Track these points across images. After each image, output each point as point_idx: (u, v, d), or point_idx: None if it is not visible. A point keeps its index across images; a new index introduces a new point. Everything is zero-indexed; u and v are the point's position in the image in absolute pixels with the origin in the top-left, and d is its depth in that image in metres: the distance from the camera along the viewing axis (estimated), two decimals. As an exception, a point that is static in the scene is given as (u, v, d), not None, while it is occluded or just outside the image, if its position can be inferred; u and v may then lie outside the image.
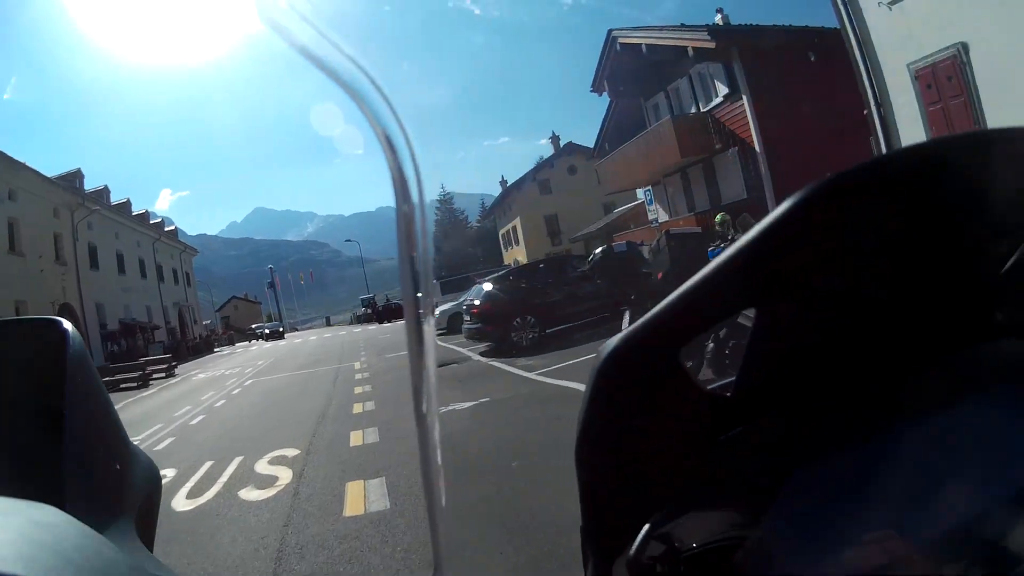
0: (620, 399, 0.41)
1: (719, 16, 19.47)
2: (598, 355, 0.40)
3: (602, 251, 14.88)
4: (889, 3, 12.97)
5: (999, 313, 0.47)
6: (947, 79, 12.54)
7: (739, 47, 17.95)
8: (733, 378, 0.43)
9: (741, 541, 0.40)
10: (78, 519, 0.48)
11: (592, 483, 0.43)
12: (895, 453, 0.39)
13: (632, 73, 22.23)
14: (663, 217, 23.49)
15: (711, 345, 5.18)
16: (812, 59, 16.83)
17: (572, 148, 39.11)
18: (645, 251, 13.55)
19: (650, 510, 0.42)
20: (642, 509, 0.42)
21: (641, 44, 20.12)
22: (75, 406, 0.65)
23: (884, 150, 13.01)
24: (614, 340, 0.39)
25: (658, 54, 19.84)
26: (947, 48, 12.40)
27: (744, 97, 18.26)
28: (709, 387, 0.46)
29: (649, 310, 0.41)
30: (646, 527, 0.41)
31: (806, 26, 17.89)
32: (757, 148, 18.26)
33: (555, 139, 41.42)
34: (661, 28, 19.67)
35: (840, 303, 0.40)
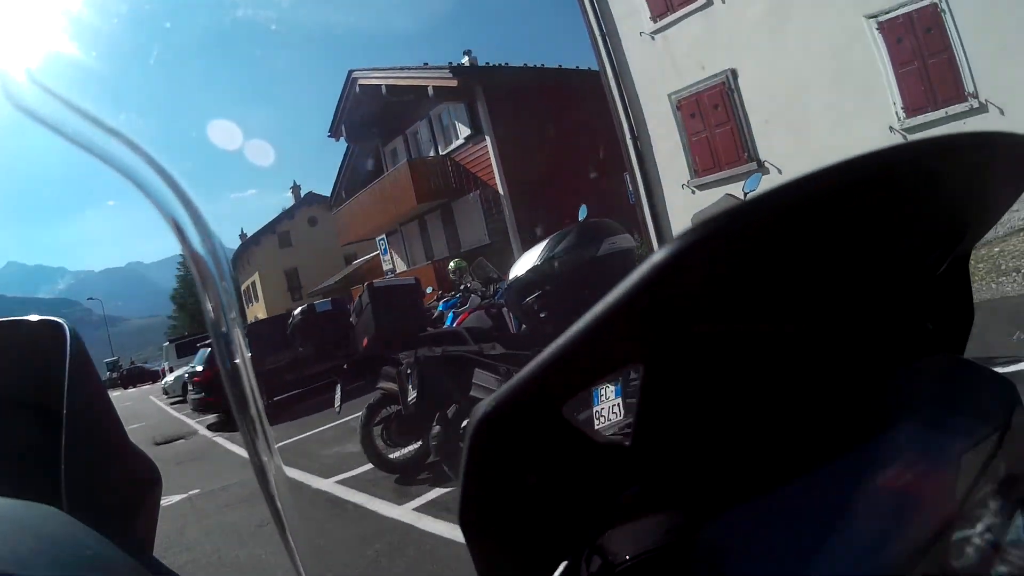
0: (499, 464, 0.35)
1: (466, 58, 17.39)
2: (470, 419, 0.34)
3: (301, 312, 12.59)
4: (651, 32, 11.21)
5: (929, 323, 0.46)
6: (713, 107, 10.24)
7: (483, 86, 15.99)
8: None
9: None
10: (78, 519, 0.49)
11: (483, 549, 0.38)
12: (812, 497, 0.36)
13: (371, 116, 19.63)
14: (401, 266, 20.92)
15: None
16: (564, 97, 15.51)
17: (312, 198, 35.96)
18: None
19: (550, 564, 0.37)
20: (542, 565, 0.37)
21: (381, 85, 17.55)
22: (75, 406, 0.62)
23: (640, 183, 11.36)
24: (485, 403, 0.33)
25: (398, 95, 17.39)
26: (714, 76, 10.60)
27: (487, 138, 16.14)
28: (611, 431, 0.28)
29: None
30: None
31: (559, 66, 16.90)
32: (501, 190, 16.11)
33: (296, 189, 37.79)
34: (403, 68, 17.41)
35: (747, 345, 0.35)
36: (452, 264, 9.14)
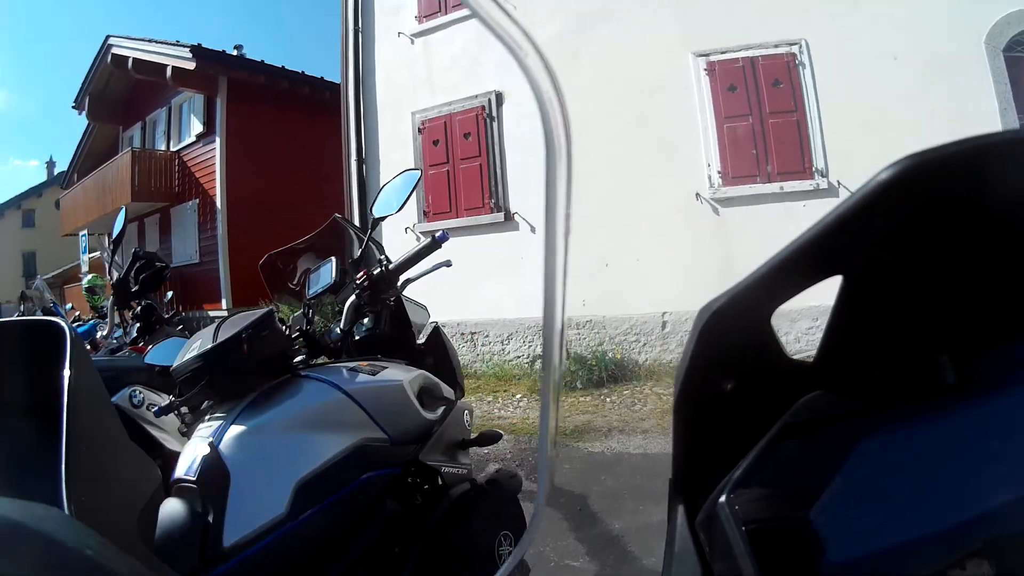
0: (715, 356, 0.38)
1: (236, 52, 13.56)
2: (701, 313, 0.37)
3: None
4: (412, 34, 8.29)
5: None
6: (464, 136, 7.13)
7: (228, 78, 12.34)
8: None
9: (806, 517, 0.35)
10: (78, 519, 0.50)
11: (685, 433, 0.40)
12: (962, 434, 0.35)
13: (117, 92, 15.13)
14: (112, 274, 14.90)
15: None
16: (313, 109, 12.59)
17: (63, 177, 28.49)
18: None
19: (733, 462, 0.38)
20: (726, 466, 0.38)
21: (130, 57, 13.15)
22: (75, 406, 0.60)
23: (356, 218, 8.04)
24: (714, 302, 0.36)
25: (143, 71, 13.01)
26: (474, 97, 7.74)
27: (217, 140, 12.27)
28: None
29: None
30: (721, 486, 0.37)
31: (321, 77, 13.31)
32: (219, 204, 12.19)
33: (51, 164, 30.83)
34: (151, 41, 13.00)
35: (923, 278, 0.36)
36: (86, 281, 6.91)
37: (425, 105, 7.91)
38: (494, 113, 7.37)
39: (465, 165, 7.44)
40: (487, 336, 7.35)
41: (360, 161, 8.25)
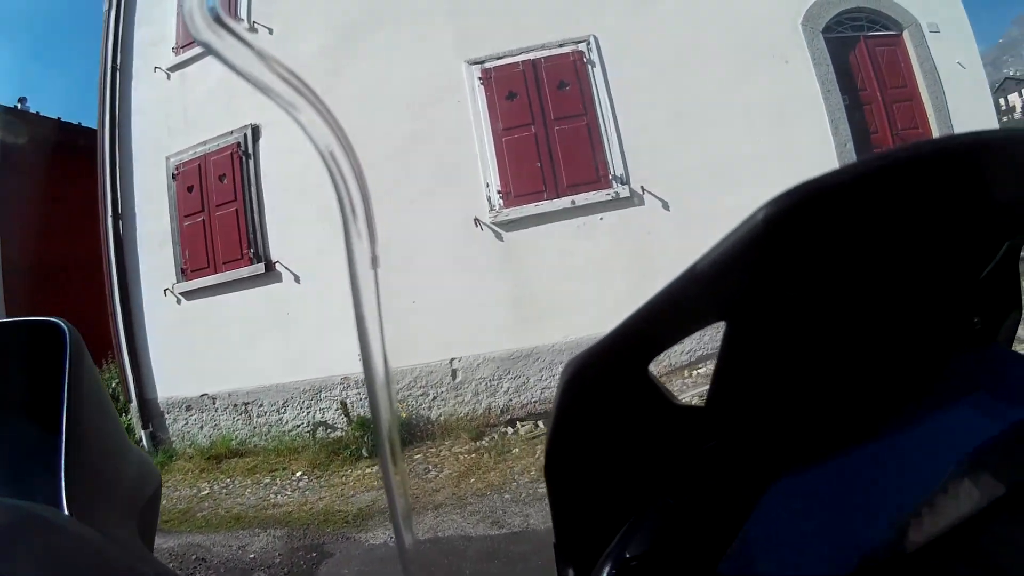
0: (587, 414, 0.35)
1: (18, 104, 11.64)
2: (564, 369, 0.33)
3: None
4: (169, 68, 7.00)
5: (976, 318, 0.44)
6: (219, 179, 5.84)
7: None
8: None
9: (716, 548, 0.34)
10: (78, 519, 0.47)
11: (563, 498, 0.37)
12: (873, 463, 0.34)
13: None
14: None
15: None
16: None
17: None
18: None
19: (623, 520, 0.37)
20: (615, 520, 0.37)
21: None
22: (74, 406, 0.58)
23: (115, 283, 6.84)
24: (580, 355, 0.33)
25: None
26: (229, 133, 6.56)
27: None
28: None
29: None
30: (620, 533, 0.36)
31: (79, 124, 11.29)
32: None
33: None
34: None
35: (819, 314, 0.35)
36: None
37: (180, 147, 6.60)
38: (250, 150, 6.21)
39: (221, 212, 6.21)
40: (261, 406, 6.08)
41: (116, 215, 6.80)
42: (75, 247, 9.12)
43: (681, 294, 0.29)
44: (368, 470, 5.04)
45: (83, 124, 10.88)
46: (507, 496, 4.09)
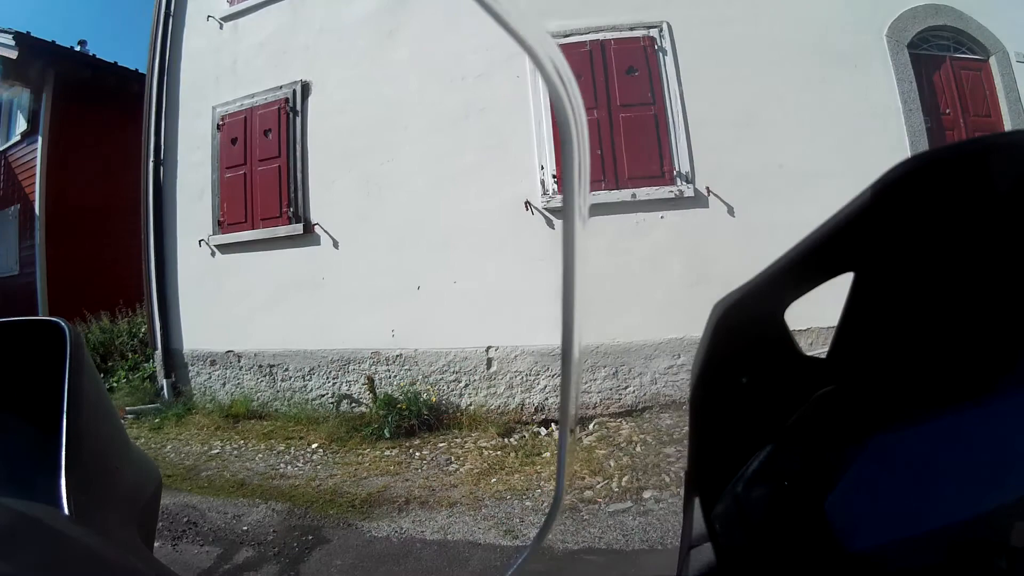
0: (730, 351, 0.37)
1: (79, 47, 11.43)
2: (714, 309, 0.36)
3: None
4: (222, 17, 6.69)
5: None
6: (264, 133, 5.53)
7: (56, 71, 10.27)
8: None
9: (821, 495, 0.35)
10: (78, 519, 0.47)
11: (701, 428, 0.40)
12: (974, 433, 0.34)
13: None
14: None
15: None
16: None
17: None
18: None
19: (747, 455, 0.38)
20: (740, 454, 0.38)
21: None
22: (75, 406, 0.56)
23: (151, 229, 6.61)
24: (729, 297, 0.36)
25: None
26: (278, 88, 6.16)
27: (39, 139, 10.22)
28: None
29: None
30: (743, 470, 0.37)
31: (136, 70, 11.05)
32: (38, 210, 10.17)
33: None
34: None
35: (935, 275, 0.34)
36: None
37: (227, 99, 6.32)
38: (298, 107, 5.89)
39: (263, 167, 5.92)
40: (286, 370, 5.82)
41: (159, 162, 6.56)
42: (119, 192, 8.97)
43: (816, 245, 0.31)
44: (387, 452, 4.74)
45: (139, 71, 10.73)
46: (527, 503, 3.72)
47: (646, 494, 3.66)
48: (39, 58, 10.10)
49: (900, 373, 0.35)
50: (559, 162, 5.23)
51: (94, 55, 11.01)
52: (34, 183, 10.14)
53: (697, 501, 0.39)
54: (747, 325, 0.35)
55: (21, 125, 10.75)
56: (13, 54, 9.76)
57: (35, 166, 10.13)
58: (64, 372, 0.57)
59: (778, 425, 0.36)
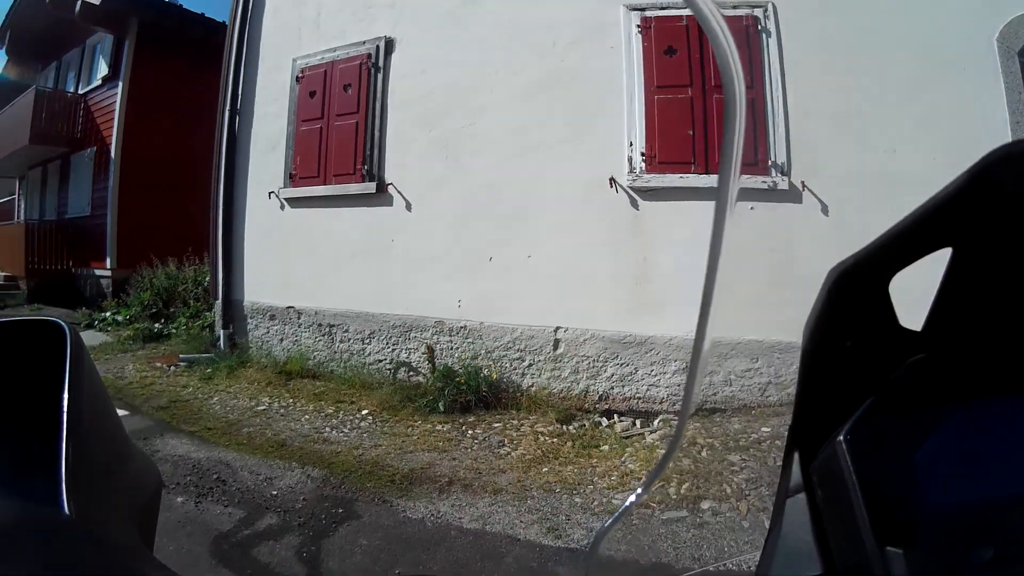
0: (840, 314, 0.39)
1: None
2: (830, 273, 0.37)
3: None
4: None
5: None
6: (344, 88, 5.26)
7: (139, 19, 10.48)
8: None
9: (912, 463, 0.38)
10: (78, 520, 0.47)
11: (806, 385, 0.41)
12: None
13: (39, 29, 12.75)
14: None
15: None
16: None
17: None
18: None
19: (845, 414, 0.40)
20: (839, 413, 0.40)
21: None
22: (74, 406, 0.56)
23: (222, 179, 6.53)
24: (844, 262, 0.37)
25: (60, 7, 10.94)
26: (360, 43, 5.96)
27: (120, 84, 10.47)
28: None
29: None
30: (840, 428, 0.39)
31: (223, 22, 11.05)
32: (113, 154, 10.37)
33: None
34: None
35: None
36: None
37: (309, 51, 6.17)
38: (380, 64, 5.69)
39: (340, 122, 5.77)
40: (346, 331, 5.70)
41: (234, 112, 6.50)
42: (195, 141, 9.03)
43: (919, 220, 0.32)
44: (439, 427, 4.53)
45: (226, 23, 10.80)
46: (577, 500, 3.41)
47: (704, 504, 3.33)
48: (122, 4, 10.28)
49: (990, 347, 0.36)
50: (649, 140, 4.98)
51: (180, 4, 11.13)
52: (111, 128, 10.36)
53: (796, 455, 0.41)
54: (856, 291, 0.37)
55: (103, 70, 10.98)
56: (96, 0, 9.95)
57: (113, 111, 10.35)
58: (64, 372, 0.57)
59: (874, 388, 0.38)
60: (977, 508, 0.34)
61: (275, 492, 3.50)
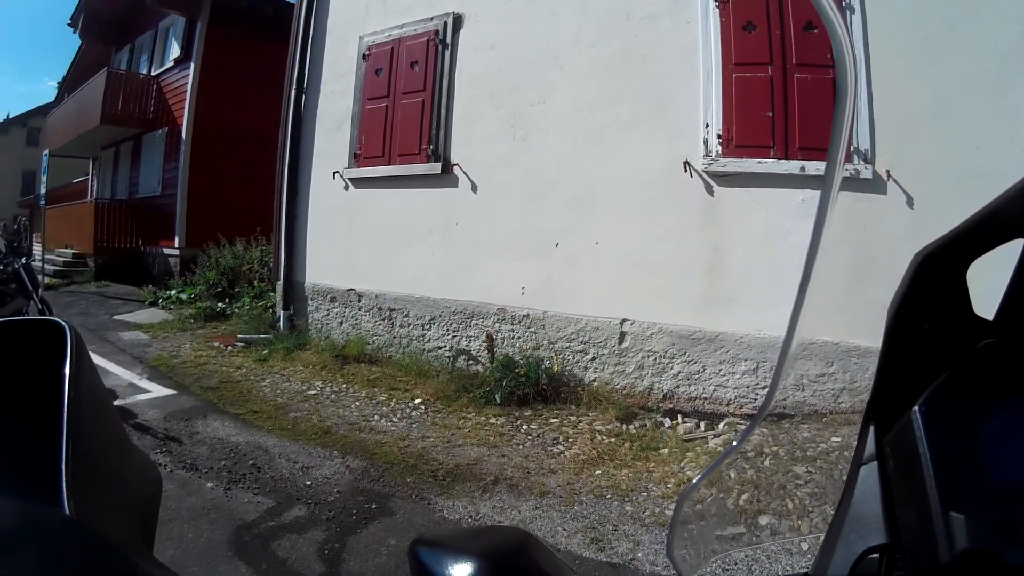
0: (921, 297, 0.40)
1: None
2: (915, 256, 0.39)
3: None
4: None
5: None
6: (410, 65, 5.21)
7: (213, 3, 10.73)
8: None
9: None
10: (78, 519, 0.48)
11: (886, 361, 0.43)
12: None
13: (112, 13, 13.36)
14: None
15: None
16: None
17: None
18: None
19: (918, 392, 0.41)
20: (911, 396, 0.41)
21: None
22: (75, 406, 0.56)
23: (287, 158, 6.60)
24: (929, 246, 0.39)
25: None
26: (428, 19, 5.87)
27: (192, 66, 10.72)
28: None
29: None
30: (914, 405, 0.41)
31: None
32: (184, 134, 10.69)
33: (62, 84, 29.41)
34: None
35: None
36: None
37: (376, 28, 6.11)
38: (448, 40, 5.58)
39: (406, 100, 5.70)
40: (407, 316, 5.64)
41: (300, 91, 6.52)
42: (266, 121, 9.14)
43: (996, 210, 0.34)
44: (492, 420, 4.40)
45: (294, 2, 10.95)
46: (628, 508, 3.20)
47: (763, 519, 3.08)
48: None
49: None
50: (727, 122, 4.71)
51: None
52: (183, 108, 10.64)
53: (872, 428, 0.43)
54: (936, 275, 0.38)
55: (175, 52, 11.28)
56: (172, -16, 10.20)
57: (185, 92, 10.63)
58: (64, 372, 0.56)
59: (948, 368, 0.40)
60: None
61: (309, 482, 3.44)
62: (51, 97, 29.42)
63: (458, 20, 5.62)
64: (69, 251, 12.24)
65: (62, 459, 0.53)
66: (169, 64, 11.48)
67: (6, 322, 0.63)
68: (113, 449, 0.65)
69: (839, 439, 3.97)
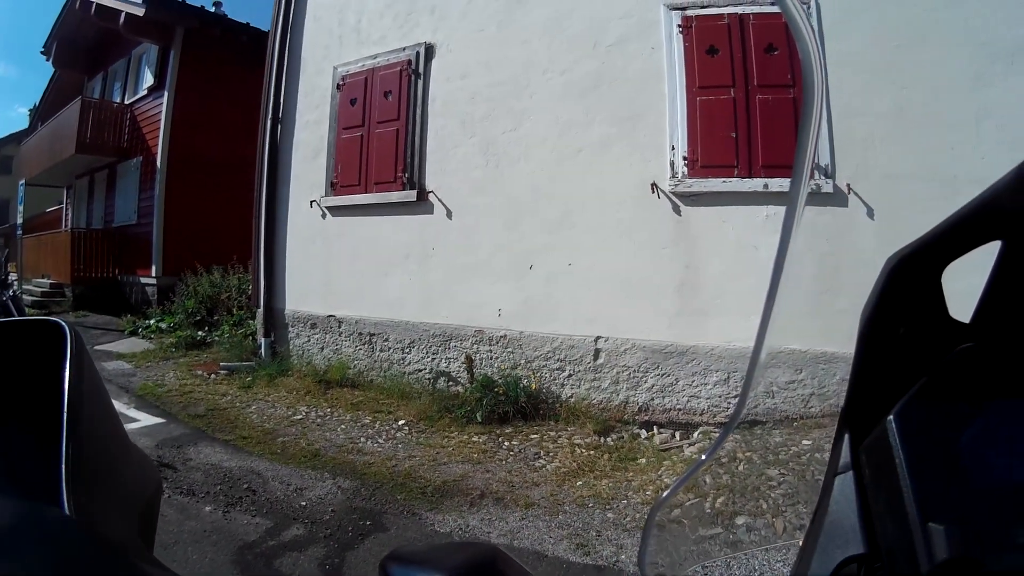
0: (894, 301, 0.40)
1: (215, 8, 12.40)
2: (888, 261, 0.39)
3: None
4: None
5: None
6: (384, 95, 5.42)
7: (184, 29, 10.92)
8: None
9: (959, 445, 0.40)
10: (78, 520, 0.48)
11: (859, 369, 0.43)
12: None
13: (85, 40, 13.54)
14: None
15: None
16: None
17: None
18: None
19: (893, 398, 0.42)
20: (888, 403, 0.41)
21: (94, 3, 11.55)
22: (75, 406, 0.57)
23: (264, 188, 6.79)
24: (900, 251, 0.39)
25: (105, 18, 11.43)
26: (401, 49, 6.12)
27: (166, 94, 10.90)
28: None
29: None
30: (890, 412, 0.41)
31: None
32: (159, 162, 10.83)
33: (34, 112, 29.01)
34: None
35: None
36: None
37: (349, 58, 6.31)
38: (420, 69, 5.79)
39: (381, 129, 5.89)
40: (386, 340, 5.79)
41: (276, 120, 6.68)
42: (240, 149, 9.28)
43: (972, 213, 0.34)
44: (475, 438, 4.57)
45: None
46: (609, 515, 3.39)
47: (739, 520, 3.27)
48: (166, 14, 10.65)
49: None
50: (692, 143, 4.94)
51: (223, 14, 11.48)
52: (157, 136, 10.74)
53: (847, 436, 0.43)
54: (910, 279, 0.38)
55: (148, 80, 11.40)
56: (141, 11, 10.37)
57: (159, 120, 10.73)
58: (64, 372, 0.57)
59: (924, 373, 0.40)
60: (1018, 491, 0.35)
61: (304, 503, 3.57)
62: (23, 124, 29.16)
63: (430, 50, 5.83)
64: (46, 281, 12.22)
65: (62, 459, 0.54)
66: (143, 92, 11.57)
67: (6, 322, 0.64)
68: (113, 449, 0.65)
69: (810, 442, 4.17)
